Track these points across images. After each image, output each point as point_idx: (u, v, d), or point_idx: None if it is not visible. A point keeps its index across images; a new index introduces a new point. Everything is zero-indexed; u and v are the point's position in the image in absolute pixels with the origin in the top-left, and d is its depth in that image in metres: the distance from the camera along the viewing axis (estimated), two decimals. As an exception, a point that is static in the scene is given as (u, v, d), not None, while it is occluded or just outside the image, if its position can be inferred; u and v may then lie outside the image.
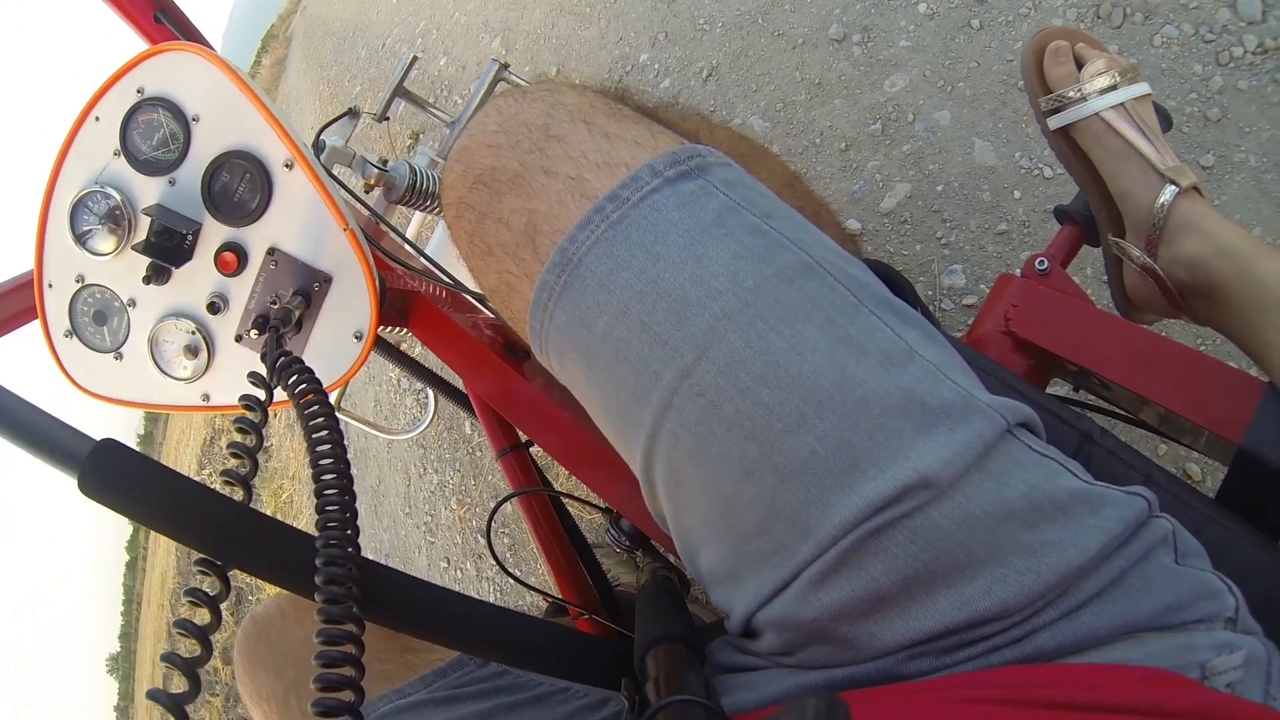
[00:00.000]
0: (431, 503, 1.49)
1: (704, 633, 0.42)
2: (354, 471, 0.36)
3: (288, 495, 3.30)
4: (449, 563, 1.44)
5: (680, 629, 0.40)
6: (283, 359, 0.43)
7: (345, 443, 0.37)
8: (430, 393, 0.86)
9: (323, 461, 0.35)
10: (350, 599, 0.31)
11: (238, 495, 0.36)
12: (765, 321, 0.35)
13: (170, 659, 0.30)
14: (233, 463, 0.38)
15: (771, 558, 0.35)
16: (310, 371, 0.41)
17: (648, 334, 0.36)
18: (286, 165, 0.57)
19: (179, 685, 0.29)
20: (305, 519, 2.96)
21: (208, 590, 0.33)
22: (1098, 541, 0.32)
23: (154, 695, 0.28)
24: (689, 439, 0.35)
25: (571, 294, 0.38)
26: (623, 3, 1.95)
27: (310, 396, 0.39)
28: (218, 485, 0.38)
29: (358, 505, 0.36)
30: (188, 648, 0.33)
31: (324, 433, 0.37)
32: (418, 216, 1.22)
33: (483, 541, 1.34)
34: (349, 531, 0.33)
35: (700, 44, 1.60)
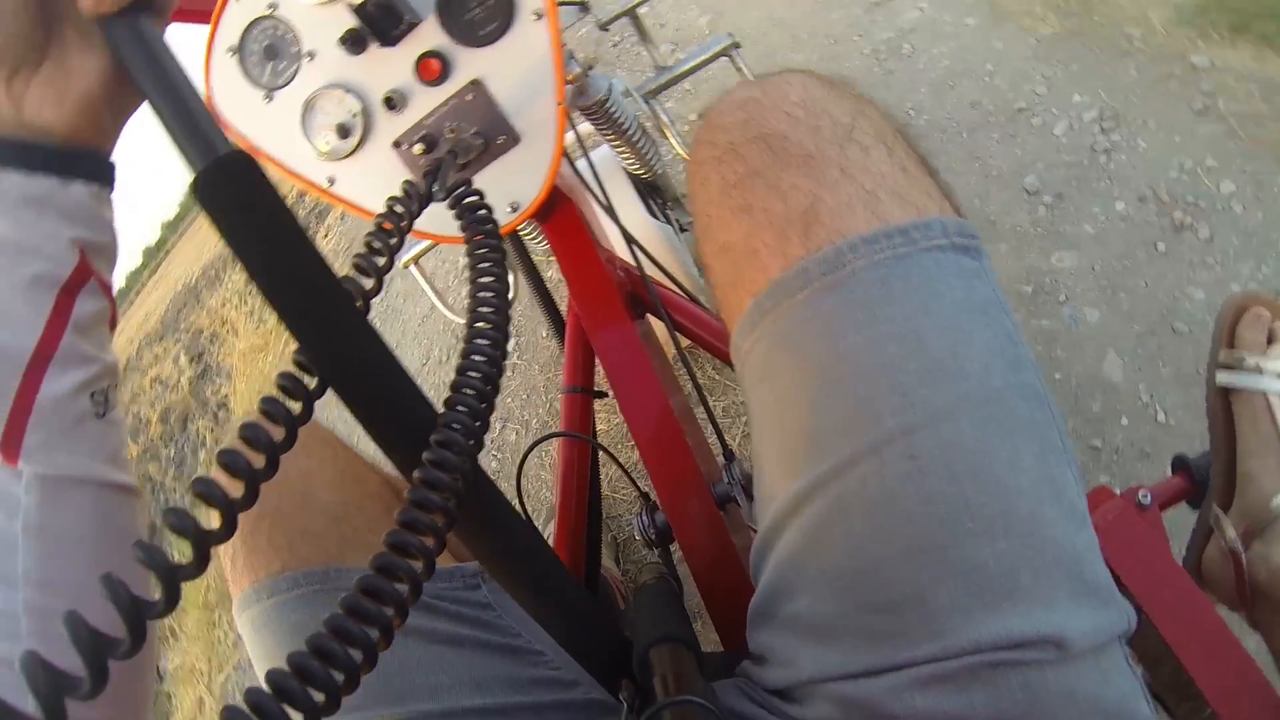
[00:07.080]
0: (438, 392, 1.44)
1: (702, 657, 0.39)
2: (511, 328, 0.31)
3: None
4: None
5: (687, 633, 0.38)
6: (465, 186, 0.38)
7: (510, 298, 0.32)
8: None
9: (479, 325, 0.30)
10: (451, 499, 0.26)
11: (368, 284, 0.32)
12: (997, 424, 0.35)
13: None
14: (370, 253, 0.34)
15: (886, 639, 0.35)
16: (491, 211, 0.37)
17: (889, 377, 0.35)
18: (536, 14, 0.53)
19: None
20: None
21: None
22: None
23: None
24: (877, 492, 0.35)
25: (830, 297, 0.37)
26: (840, 48, 1.92)
27: (482, 237, 0.35)
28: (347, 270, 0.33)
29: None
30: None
31: (490, 280, 0.32)
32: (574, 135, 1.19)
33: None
34: (478, 423, 0.29)
35: (897, 124, 1.57)
